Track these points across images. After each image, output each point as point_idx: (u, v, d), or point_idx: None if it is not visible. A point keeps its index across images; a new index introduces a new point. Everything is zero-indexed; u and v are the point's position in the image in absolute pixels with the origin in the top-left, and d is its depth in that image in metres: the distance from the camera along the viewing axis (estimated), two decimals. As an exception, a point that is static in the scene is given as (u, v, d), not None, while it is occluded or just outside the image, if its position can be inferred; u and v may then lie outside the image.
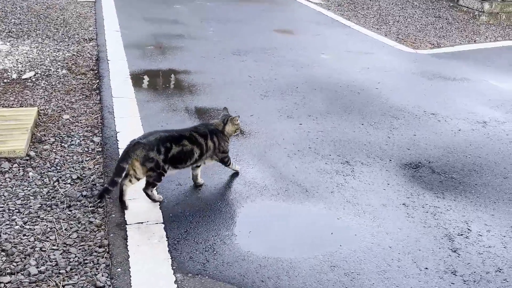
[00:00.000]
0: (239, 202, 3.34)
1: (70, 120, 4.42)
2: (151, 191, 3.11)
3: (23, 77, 5.40)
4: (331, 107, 5.10)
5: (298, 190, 3.52)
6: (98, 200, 3.07)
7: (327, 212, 3.29)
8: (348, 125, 4.67)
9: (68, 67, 5.81)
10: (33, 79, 5.36)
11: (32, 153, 3.77)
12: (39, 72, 5.56)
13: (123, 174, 2.93)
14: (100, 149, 3.90)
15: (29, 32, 7.04)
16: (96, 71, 5.71)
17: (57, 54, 6.21)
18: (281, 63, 6.49)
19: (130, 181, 3.02)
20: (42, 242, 2.84)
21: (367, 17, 9.79)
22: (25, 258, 2.71)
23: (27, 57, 6.00)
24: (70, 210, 3.13)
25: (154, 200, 3.15)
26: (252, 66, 6.28)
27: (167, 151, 3.01)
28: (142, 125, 4.32)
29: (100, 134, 4.13)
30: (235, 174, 3.63)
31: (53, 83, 5.30)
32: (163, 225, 2.99)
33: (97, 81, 5.40)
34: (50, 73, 5.60)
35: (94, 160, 3.74)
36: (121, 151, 3.77)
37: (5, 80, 5.23)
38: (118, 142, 3.97)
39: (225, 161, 3.48)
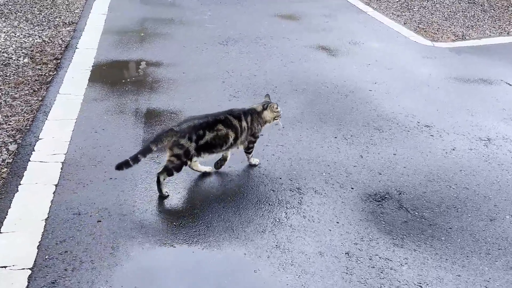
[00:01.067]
0: (128, 247, 2.76)
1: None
2: (164, 178, 3.02)
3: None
4: (306, 113, 4.38)
5: (221, 227, 2.89)
6: (116, 170, 2.89)
7: (245, 262, 2.65)
8: (318, 138, 3.96)
9: (32, 56, 5.35)
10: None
11: None
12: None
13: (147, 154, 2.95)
14: (11, 160, 3.40)
15: (8, 14, 6.63)
16: (59, 61, 5.21)
17: (25, 40, 5.76)
18: (269, 56, 5.78)
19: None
20: None
21: (391, 2, 8.82)
22: None
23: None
24: None
25: (160, 192, 3.04)
26: (236, 59, 5.61)
27: (199, 139, 3.00)
28: (73, 130, 3.78)
29: (20, 141, 3.63)
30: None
31: (8, 74, 4.85)
32: (29, 272, 2.45)
33: (54, 73, 4.91)
34: (10, 62, 5.15)
35: (-2, 173, 3.25)
36: (32, 164, 3.27)
37: (-46, 70, 4.81)
38: (32, 152, 3.44)
39: (249, 147, 3.36)
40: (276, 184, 3.33)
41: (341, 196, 3.24)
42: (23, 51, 5.45)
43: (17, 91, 4.52)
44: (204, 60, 5.50)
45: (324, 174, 3.48)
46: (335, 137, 4.00)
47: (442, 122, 4.39)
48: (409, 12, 8.29)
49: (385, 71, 5.56)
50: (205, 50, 5.82)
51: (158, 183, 3.02)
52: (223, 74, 5.15)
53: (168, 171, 3.00)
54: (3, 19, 6.44)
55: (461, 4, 8.94)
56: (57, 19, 6.66)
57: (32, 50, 5.49)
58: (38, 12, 6.83)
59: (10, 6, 6.94)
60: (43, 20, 6.55)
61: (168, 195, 3.07)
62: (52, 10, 6.99)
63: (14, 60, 5.21)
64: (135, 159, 2.87)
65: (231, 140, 3.16)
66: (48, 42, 5.76)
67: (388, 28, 7.29)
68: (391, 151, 3.85)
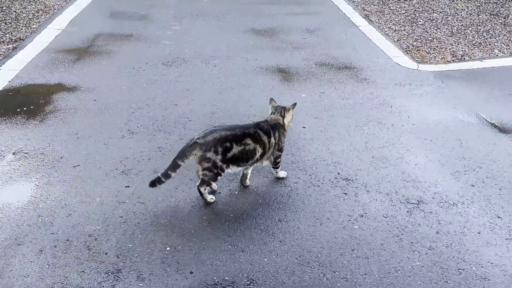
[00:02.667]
0: None
1: None
2: (204, 189, 3.04)
3: None
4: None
5: None
6: (150, 187, 2.97)
7: None
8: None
9: None
10: None
11: None
12: None
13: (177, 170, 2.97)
14: None
15: (-43, 29, 6.33)
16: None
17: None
18: (210, 80, 5.06)
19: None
20: None
21: (395, 13, 7.82)
22: None
23: None
24: None
25: (205, 200, 3.06)
26: (167, 84, 4.94)
27: (226, 151, 2.95)
28: None
29: None
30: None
31: None
32: None
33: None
34: None
35: None
36: None
37: None
38: None
39: (277, 162, 3.29)
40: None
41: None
42: None
43: None
44: (129, 85, 4.87)
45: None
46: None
47: (368, 175, 3.49)
48: (411, 26, 7.27)
49: (336, 102, 4.68)
50: (139, 73, 5.19)
51: (200, 193, 3.05)
52: (138, 103, 4.49)
53: (206, 182, 3.02)
54: (-52, 35, 6.14)
55: (480, 16, 7.79)
56: (7, 35, 6.27)
57: (-48, 71, 5.09)
58: (-9, 27, 6.49)
59: (-34, 21, 6.64)
60: (-10, 35, 6.19)
61: (213, 201, 3.08)
62: (9, 25, 6.63)
63: None
64: (166, 175, 2.93)
65: (257, 156, 3.09)
66: (-26, 62, 5.35)
67: (373, 46, 6.35)
68: (278, 217, 3.03)
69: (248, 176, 3.27)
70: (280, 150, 3.26)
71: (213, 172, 2.97)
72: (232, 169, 3.05)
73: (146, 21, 7.06)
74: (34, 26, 6.68)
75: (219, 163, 2.95)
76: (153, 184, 2.94)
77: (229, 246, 2.75)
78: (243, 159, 3.04)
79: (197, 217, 2.97)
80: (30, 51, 5.69)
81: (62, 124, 4.05)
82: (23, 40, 6.12)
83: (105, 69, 5.25)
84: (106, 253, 2.65)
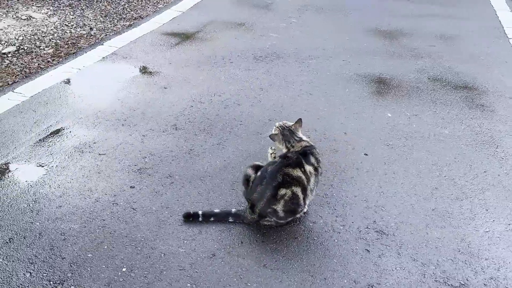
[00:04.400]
0: None
1: None
2: None
3: (3, 51, 5.16)
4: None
5: None
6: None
7: None
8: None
9: (58, 46, 5.33)
10: (9, 55, 5.06)
11: None
12: (24, 48, 5.23)
13: None
14: None
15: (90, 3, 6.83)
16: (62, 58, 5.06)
17: (72, 31, 5.78)
18: (288, 84, 4.59)
19: None
20: None
21: None
22: None
23: (42, 29, 5.75)
24: None
25: None
26: (242, 81, 4.60)
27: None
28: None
29: None
30: None
31: (17, 62, 4.90)
32: None
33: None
34: (34, 50, 5.22)
35: None
36: None
37: (-24, 53, 5.06)
38: None
39: None
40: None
41: None
42: (56, 41, 5.46)
43: (-2, 81, 4.48)
44: (205, 77, 4.65)
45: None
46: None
47: (413, 233, 2.72)
48: None
49: (426, 129, 3.83)
50: (225, 64, 4.94)
51: None
52: (204, 96, 4.24)
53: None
54: (71, 6, 6.65)
55: None
56: (132, 12, 6.58)
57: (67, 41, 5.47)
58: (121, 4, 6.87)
59: None
60: (122, 11, 6.55)
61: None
62: (139, 2, 6.96)
63: (40, 49, 5.24)
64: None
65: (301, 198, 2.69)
66: (87, 35, 5.68)
67: (511, 66, 5.14)
68: (264, 263, 2.51)
69: None
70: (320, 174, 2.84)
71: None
72: None
73: (266, 11, 6.77)
74: (160, 5, 6.89)
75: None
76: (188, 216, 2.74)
77: (188, 285, 2.35)
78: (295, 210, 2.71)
79: (178, 240, 2.61)
80: (140, 30, 5.83)
81: (116, 107, 4.00)
82: (142, 18, 6.33)
83: (195, 56, 5.12)
84: (63, 258, 2.46)
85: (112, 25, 6.07)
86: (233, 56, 5.16)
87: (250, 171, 2.69)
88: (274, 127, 2.84)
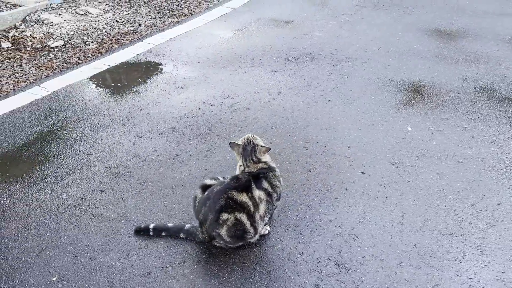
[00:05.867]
0: None
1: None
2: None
3: (51, 45, 5.46)
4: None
5: None
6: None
7: None
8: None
9: (102, 42, 5.52)
10: (56, 49, 5.35)
11: None
12: (71, 43, 5.50)
13: None
14: None
15: None
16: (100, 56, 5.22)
17: (121, 27, 5.96)
18: (312, 88, 4.31)
19: None
20: None
21: None
22: None
23: (93, 25, 6.00)
24: None
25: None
26: (264, 83, 4.40)
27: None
28: None
29: None
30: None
31: (61, 56, 5.16)
32: None
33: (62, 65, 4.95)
34: (79, 45, 5.46)
35: None
36: None
37: (28, 47, 5.38)
38: None
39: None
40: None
41: None
42: (103, 37, 5.66)
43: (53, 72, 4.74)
44: (226, 78, 4.51)
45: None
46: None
47: (377, 271, 2.38)
48: None
49: (446, 148, 3.36)
50: (254, 65, 4.76)
51: None
52: (216, 99, 4.11)
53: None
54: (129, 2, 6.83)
55: None
56: (185, 8, 6.63)
57: (114, 37, 5.64)
58: None
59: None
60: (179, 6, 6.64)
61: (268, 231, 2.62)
62: (195, -1, 7.00)
63: (86, 44, 5.46)
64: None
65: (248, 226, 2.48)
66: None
67: None
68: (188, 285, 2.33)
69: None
70: (279, 198, 2.58)
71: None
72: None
73: (321, 7, 6.45)
74: (215, 1, 6.86)
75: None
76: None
77: (109, 302, 2.25)
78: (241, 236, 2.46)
79: (121, 252, 2.52)
80: (184, 27, 5.84)
81: (125, 107, 4.01)
82: (192, 15, 6.35)
83: (225, 55, 5.00)
84: (6, 259, 2.50)
85: (161, 21, 6.15)
86: (264, 56, 4.96)
87: (198, 191, 2.53)
88: (242, 138, 2.63)
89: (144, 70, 4.72)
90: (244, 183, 2.40)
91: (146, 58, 4.97)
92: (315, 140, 3.47)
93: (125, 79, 4.53)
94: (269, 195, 2.44)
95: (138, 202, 2.86)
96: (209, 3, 6.80)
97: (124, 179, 3.08)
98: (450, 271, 2.37)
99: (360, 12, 6.19)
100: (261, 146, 2.52)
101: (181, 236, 2.57)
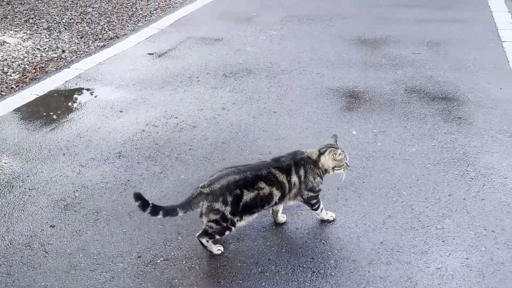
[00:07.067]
0: None
1: None
2: (207, 241, 2.51)
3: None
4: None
5: None
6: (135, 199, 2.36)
7: None
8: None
9: (25, 72, 5.19)
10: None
11: None
12: (-10, 75, 5.12)
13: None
14: None
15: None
16: None
17: (43, 55, 5.66)
18: (253, 102, 4.33)
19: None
20: None
21: None
22: None
23: (13, 54, 5.64)
24: None
25: (211, 252, 2.54)
26: (204, 101, 4.36)
27: (237, 200, 2.40)
28: None
29: None
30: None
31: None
32: None
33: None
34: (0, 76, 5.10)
35: None
36: None
37: None
38: None
39: (311, 203, 2.66)
40: None
41: None
42: (28, 64, 5.34)
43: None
44: (164, 99, 4.42)
45: None
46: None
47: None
48: None
49: (392, 148, 3.50)
50: (192, 83, 4.70)
51: (202, 244, 2.52)
52: (155, 121, 4.01)
53: (209, 235, 2.48)
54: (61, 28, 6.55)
55: None
56: (110, 32, 6.43)
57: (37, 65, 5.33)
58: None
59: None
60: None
61: (221, 252, 2.54)
62: (121, 20, 6.83)
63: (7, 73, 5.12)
64: (154, 211, 2.36)
65: (275, 199, 2.52)
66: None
67: (505, 73, 4.76)
68: None
69: (280, 212, 2.73)
70: (311, 190, 2.60)
71: (221, 226, 2.43)
72: (246, 220, 2.51)
73: (248, 24, 6.53)
74: (140, 23, 6.74)
75: (229, 216, 2.41)
76: (140, 198, 2.33)
77: None
78: (257, 206, 2.48)
79: (89, 258, 2.35)
80: (112, 50, 5.67)
81: (62, 135, 3.79)
82: (118, 38, 6.18)
83: (161, 76, 4.90)
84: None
85: (86, 46, 5.93)
86: (202, 74, 4.93)
87: None
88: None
89: (77, 96, 4.51)
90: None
91: (76, 84, 4.76)
92: (267, 151, 3.48)
93: (57, 107, 4.31)
94: None
95: (94, 234, 2.70)
96: (135, 25, 6.67)
97: (75, 211, 2.90)
98: (419, 264, 2.45)
99: (287, 27, 6.35)
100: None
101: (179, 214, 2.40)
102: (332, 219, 2.77)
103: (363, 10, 6.88)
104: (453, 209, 2.83)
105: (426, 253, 2.52)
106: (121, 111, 4.16)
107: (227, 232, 2.47)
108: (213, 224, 2.42)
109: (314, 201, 2.66)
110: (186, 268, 2.44)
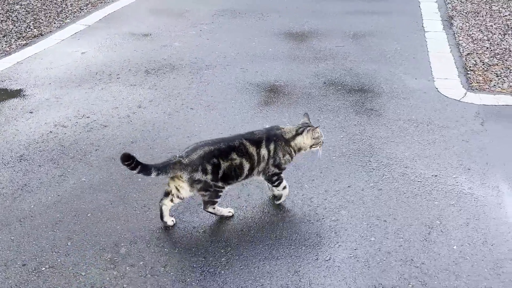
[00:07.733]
0: None
1: None
2: (213, 208, 2.67)
3: None
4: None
5: None
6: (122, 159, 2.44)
7: None
8: None
9: None
10: None
11: None
12: None
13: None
14: None
15: None
16: None
17: None
18: (173, 98, 4.26)
19: (172, 200, 2.62)
20: None
21: (492, 17, 6.07)
22: None
23: None
24: None
25: (222, 215, 2.72)
26: (122, 99, 4.26)
27: (216, 168, 2.52)
28: None
29: None
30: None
31: None
32: None
33: None
34: None
35: None
36: None
37: None
38: None
39: (273, 180, 2.74)
40: None
41: None
42: None
43: None
44: (82, 97, 4.29)
45: None
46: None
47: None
48: (503, 35, 5.47)
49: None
50: (111, 81, 4.59)
51: (212, 213, 2.69)
52: (70, 120, 3.89)
53: (209, 202, 2.63)
54: None
55: None
56: (34, 29, 6.20)
57: None
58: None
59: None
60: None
61: (232, 214, 2.74)
62: (48, 17, 6.60)
63: None
64: (136, 165, 2.44)
65: (245, 171, 2.62)
66: None
67: (422, 62, 4.86)
68: None
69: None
70: (277, 166, 2.69)
71: (210, 191, 2.58)
72: (226, 187, 2.65)
73: (179, 18, 6.44)
74: (68, 20, 6.53)
75: (211, 183, 2.55)
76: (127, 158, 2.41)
77: None
78: (232, 176, 2.60)
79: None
80: (33, 49, 5.49)
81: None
82: (42, 35, 5.97)
83: (80, 74, 4.76)
84: None
85: (7, 45, 5.70)
86: (123, 71, 4.82)
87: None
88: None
89: (-12, 98, 4.33)
90: None
91: (-14, 85, 4.57)
92: (177, 149, 3.39)
93: (-36, 110, 4.12)
94: None
95: (-19, 242, 2.59)
96: (61, 22, 6.46)
97: (-36, 219, 2.77)
98: (308, 257, 2.46)
99: (218, 21, 6.30)
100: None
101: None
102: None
103: (298, 4, 6.89)
104: (350, 200, 2.86)
105: (317, 245, 2.53)
106: (31, 112, 4.02)
107: (220, 193, 2.61)
108: (203, 192, 2.56)
109: (275, 177, 2.72)
110: (71, 275, 2.37)
